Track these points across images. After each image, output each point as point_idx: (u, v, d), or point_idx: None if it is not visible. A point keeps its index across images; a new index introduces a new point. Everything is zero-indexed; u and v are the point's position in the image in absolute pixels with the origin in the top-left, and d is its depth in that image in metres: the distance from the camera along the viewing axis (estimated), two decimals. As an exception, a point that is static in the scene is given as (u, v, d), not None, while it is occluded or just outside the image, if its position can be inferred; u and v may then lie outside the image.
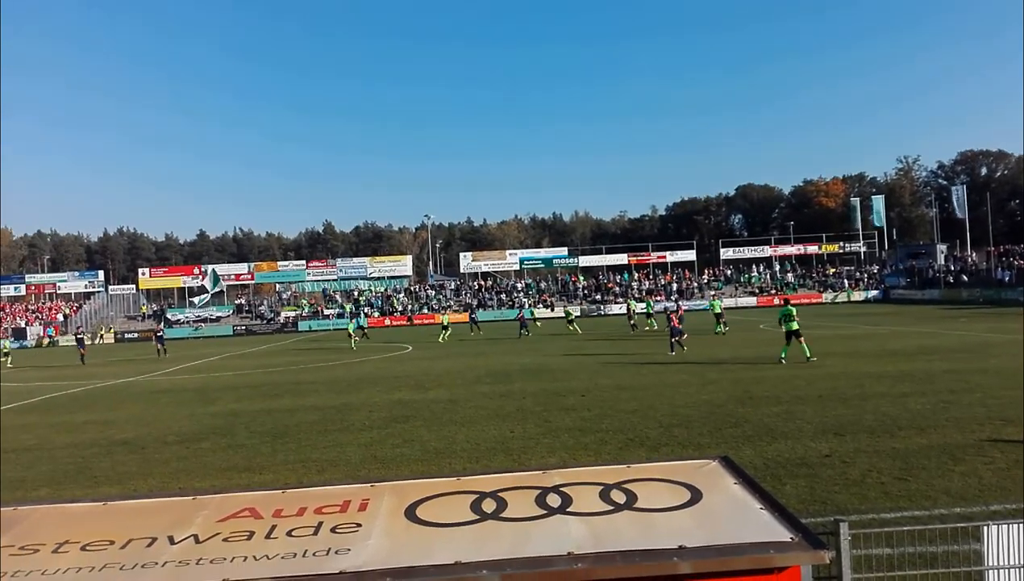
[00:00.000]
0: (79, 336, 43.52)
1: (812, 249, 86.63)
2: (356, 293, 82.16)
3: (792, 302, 23.77)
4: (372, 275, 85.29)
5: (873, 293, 74.73)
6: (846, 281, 78.23)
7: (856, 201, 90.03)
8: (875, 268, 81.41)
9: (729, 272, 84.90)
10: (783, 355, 21.95)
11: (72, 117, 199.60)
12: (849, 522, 3.40)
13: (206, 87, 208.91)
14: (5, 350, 46.22)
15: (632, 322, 42.82)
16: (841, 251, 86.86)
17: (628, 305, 46.67)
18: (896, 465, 9.42)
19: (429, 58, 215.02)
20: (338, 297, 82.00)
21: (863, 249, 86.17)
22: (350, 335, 42.96)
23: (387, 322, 72.56)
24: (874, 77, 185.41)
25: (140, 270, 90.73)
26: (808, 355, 21.62)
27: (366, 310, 74.25)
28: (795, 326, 22.17)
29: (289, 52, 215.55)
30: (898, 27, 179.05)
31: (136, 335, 71.17)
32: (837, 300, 72.81)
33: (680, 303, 52.04)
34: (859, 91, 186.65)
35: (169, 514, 3.54)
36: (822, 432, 11.72)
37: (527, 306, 63.99)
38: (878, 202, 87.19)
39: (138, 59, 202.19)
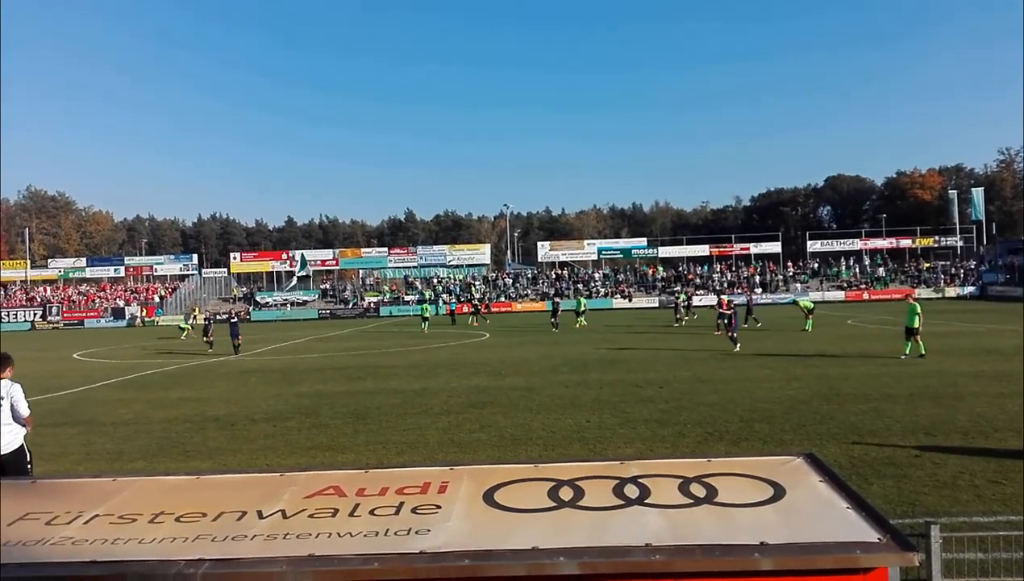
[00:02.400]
0: (204, 321, 39.34)
1: (905, 243, 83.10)
2: (435, 280, 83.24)
3: (913, 298, 23.57)
4: (451, 263, 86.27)
5: (969, 289, 71.22)
6: (941, 276, 74.80)
7: (954, 193, 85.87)
8: (972, 264, 77.50)
9: (816, 265, 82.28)
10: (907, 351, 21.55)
11: (174, 112, 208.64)
12: (940, 524, 3.27)
13: (292, 84, 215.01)
14: (181, 325, 49.01)
15: (679, 316, 42.72)
16: (936, 245, 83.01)
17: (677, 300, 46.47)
18: (990, 468, 8.99)
19: (508, 42, 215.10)
20: (418, 284, 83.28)
21: (960, 244, 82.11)
22: (425, 319, 44.91)
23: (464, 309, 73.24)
24: (973, 64, 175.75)
25: (231, 254, 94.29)
26: (923, 351, 21.29)
27: (444, 297, 75.15)
28: (916, 323, 21.64)
29: (370, 40, 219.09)
30: (998, 8, 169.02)
31: (227, 316, 73.96)
32: (932, 296, 69.70)
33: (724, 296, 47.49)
34: (957, 79, 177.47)
35: (258, 489, 3.68)
36: (912, 431, 11.28)
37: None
38: (977, 194, 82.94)
39: (228, 58, 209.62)
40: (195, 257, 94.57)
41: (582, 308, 44.55)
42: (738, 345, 25.51)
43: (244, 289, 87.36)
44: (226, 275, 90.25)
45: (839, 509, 3.17)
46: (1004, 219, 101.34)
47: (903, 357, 20.96)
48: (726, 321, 27.16)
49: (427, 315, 45.56)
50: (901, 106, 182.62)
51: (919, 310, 21.78)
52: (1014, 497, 7.81)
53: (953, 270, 76.33)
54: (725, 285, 75.19)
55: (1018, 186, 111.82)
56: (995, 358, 20.40)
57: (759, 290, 70.28)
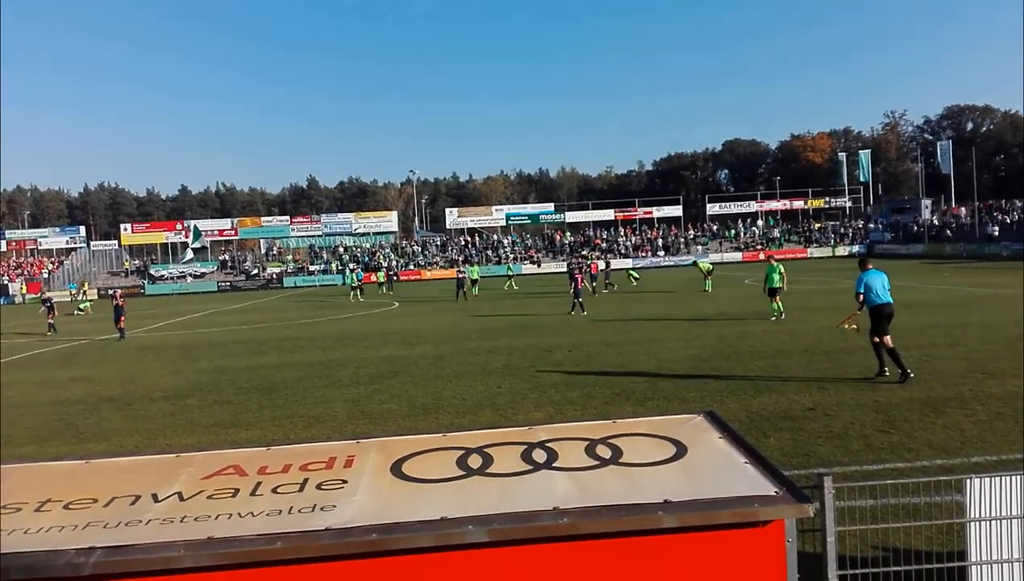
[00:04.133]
0: (45, 298, 34.10)
1: (798, 204, 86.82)
2: (341, 249, 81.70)
3: (776, 259, 23.37)
4: (357, 231, 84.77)
5: (858, 248, 75.00)
6: (832, 236, 78.54)
7: (842, 156, 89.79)
8: (860, 223, 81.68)
9: (715, 227, 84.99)
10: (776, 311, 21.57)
11: (52, 66, 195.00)
12: (832, 475, 3.43)
13: (186, 33, 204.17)
14: (81, 306, 46.07)
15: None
16: (827, 206, 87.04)
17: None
18: (879, 418, 9.54)
19: (414, 16, 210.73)
20: (324, 253, 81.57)
21: (849, 204, 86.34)
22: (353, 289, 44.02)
23: (372, 278, 72.34)
24: (860, 28, 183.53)
25: (122, 225, 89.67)
26: (780, 311, 21.44)
27: (351, 266, 73.94)
28: (778, 283, 21.75)
29: (268, 14, 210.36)
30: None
31: (119, 290, 70.62)
32: (824, 254, 73.13)
33: (589, 262, 48.32)
34: (845, 43, 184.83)
35: (153, 472, 3.52)
36: (806, 386, 11.85)
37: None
38: (864, 157, 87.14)
39: (112, 9, 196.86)
40: (83, 229, 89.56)
41: (475, 276, 43.82)
42: (573, 311, 26.68)
43: (137, 262, 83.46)
44: (117, 247, 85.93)
45: (738, 464, 3.28)
46: (889, 180, 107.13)
47: (773, 318, 21.14)
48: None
49: (476, 278, 43.43)
50: (794, 70, 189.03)
51: (781, 270, 22.09)
52: (901, 445, 8.32)
53: (843, 229, 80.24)
54: (629, 248, 76.90)
55: (902, 148, 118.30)
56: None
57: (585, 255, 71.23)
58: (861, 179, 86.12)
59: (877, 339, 12.19)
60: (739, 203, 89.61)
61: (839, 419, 9.58)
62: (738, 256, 74.43)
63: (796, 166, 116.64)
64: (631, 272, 46.46)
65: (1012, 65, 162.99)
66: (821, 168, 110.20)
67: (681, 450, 3.47)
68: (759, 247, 76.91)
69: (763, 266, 22.63)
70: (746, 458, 3.33)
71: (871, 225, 79.86)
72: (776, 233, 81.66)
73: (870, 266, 13.15)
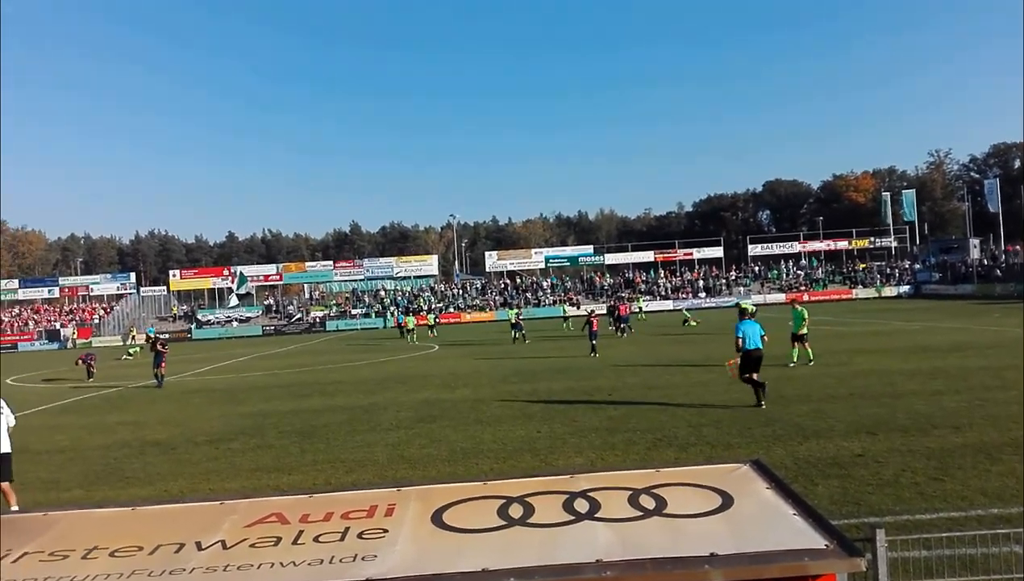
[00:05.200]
0: (82, 357, 32.57)
1: (842, 245, 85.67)
2: (383, 292, 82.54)
3: (800, 303, 22.43)
4: (398, 275, 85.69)
5: (904, 288, 73.66)
6: (877, 276, 77.15)
7: (886, 195, 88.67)
8: (906, 263, 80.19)
9: (757, 268, 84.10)
10: (795, 358, 20.80)
11: (104, 122, 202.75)
12: (884, 524, 3.32)
13: (230, 93, 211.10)
14: (130, 351, 47.17)
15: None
16: (871, 246, 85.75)
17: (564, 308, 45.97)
18: (931, 465, 9.24)
19: (450, 61, 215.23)
20: (366, 297, 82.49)
21: (894, 244, 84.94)
22: (407, 330, 45.21)
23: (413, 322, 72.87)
24: (905, 69, 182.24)
25: (171, 272, 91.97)
26: (811, 358, 20.69)
27: (392, 309, 74.56)
28: (804, 330, 20.94)
29: (309, 57, 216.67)
30: (930, 22, 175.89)
31: (167, 336, 72.05)
32: (870, 295, 71.84)
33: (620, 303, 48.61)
34: (889, 84, 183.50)
35: (197, 519, 3.55)
36: (854, 431, 11.54)
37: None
38: (909, 196, 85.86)
39: (158, 64, 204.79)
40: (133, 275, 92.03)
41: (514, 320, 41.21)
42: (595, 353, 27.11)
43: (185, 307, 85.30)
44: (165, 293, 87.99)
45: (786, 516, 3.19)
46: (935, 219, 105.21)
47: (791, 364, 20.27)
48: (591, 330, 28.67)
49: (515, 321, 40.53)
50: (836, 111, 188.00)
51: (806, 315, 21.23)
52: (954, 493, 8.03)
53: (888, 270, 78.84)
54: (627, 293, 76.39)
55: (948, 187, 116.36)
56: (931, 355, 21.07)
57: (642, 298, 71.22)
58: (906, 218, 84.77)
59: (747, 376, 14.45)
60: (781, 244, 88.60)
61: (889, 466, 9.30)
62: (781, 297, 73.37)
63: (839, 206, 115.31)
64: (686, 314, 46.34)
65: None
66: (865, 208, 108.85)
67: (727, 501, 3.39)
68: (803, 288, 75.85)
69: (806, 308, 21.99)
70: (795, 509, 3.25)
71: (917, 265, 78.35)
72: (819, 274, 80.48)
73: (747, 317, 15.18)
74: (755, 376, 14.34)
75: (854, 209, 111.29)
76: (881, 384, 16.20)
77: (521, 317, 41.27)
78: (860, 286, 75.29)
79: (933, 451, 9.94)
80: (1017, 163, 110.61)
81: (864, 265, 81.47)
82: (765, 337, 15.05)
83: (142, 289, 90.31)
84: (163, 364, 26.23)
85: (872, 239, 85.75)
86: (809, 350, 20.85)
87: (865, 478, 8.82)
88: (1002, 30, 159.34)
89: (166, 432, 15.64)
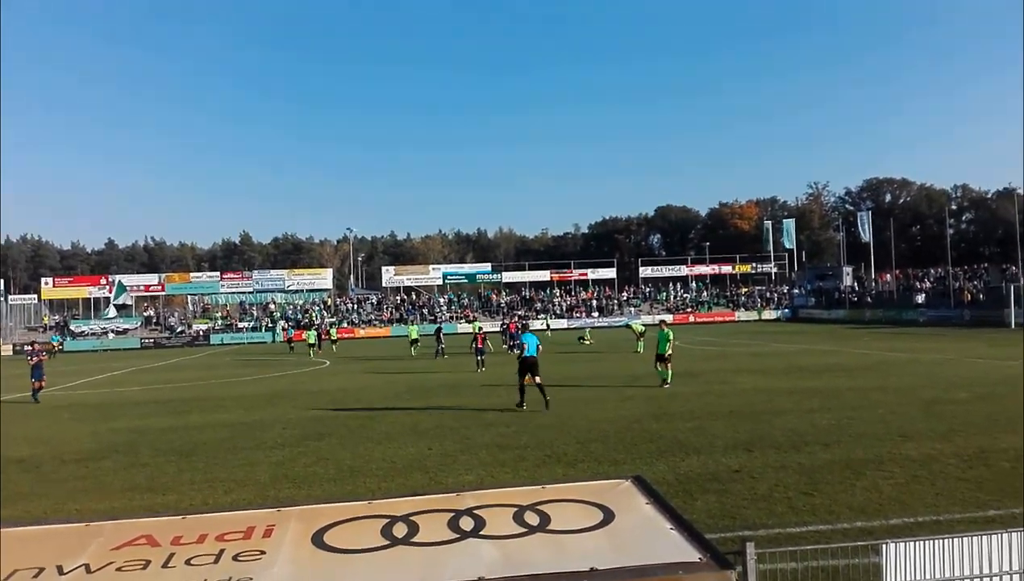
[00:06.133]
0: None
1: (726, 269, 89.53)
2: (272, 305, 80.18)
3: (667, 325, 22.69)
4: (290, 288, 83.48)
5: (783, 312, 77.52)
6: (758, 300, 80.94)
7: (768, 224, 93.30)
8: (785, 288, 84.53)
9: (648, 290, 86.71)
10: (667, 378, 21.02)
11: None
12: (756, 537, 3.48)
13: (122, 86, 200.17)
14: None
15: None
16: (753, 271, 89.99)
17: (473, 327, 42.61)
18: (802, 480, 9.73)
19: (353, 72, 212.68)
20: (255, 310, 79.88)
21: (774, 270, 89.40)
22: (308, 344, 44.26)
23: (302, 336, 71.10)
24: (789, 105, 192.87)
25: (43, 279, 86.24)
26: (668, 378, 20.94)
27: (283, 324, 72.50)
28: (668, 350, 21.15)
29: (208, 53, 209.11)
30: (818, 63, 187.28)
31: (29, 354, 67.56)
32: (750, 318, 75.29)
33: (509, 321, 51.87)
34: (773, 120, 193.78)
35: (59, 542, 3.34)
36: (733, 447, 12.02)
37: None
38: (789, 225, 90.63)
39: (29, 42, 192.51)
40: (1, 282, 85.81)
41: (415, 336, 42.61)
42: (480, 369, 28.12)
43: (57, 317, 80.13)
44: (36, 302, 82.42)
45: (663, 531, 3.30)
46: (812, 248, 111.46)
47: (666, 386, 20.46)
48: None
49: (415, 337, 41.81)
50: (723, 140, 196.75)
51: (671, 337, 21.41)
52: (822, 507, 8.49)
53: (768, 294, 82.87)
54: (526, 312, 77.60)
55: (824, 217, 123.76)
56: (806, 375, 22.26)
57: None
58: (786, 246, 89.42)
59: (525, 381, 17.50)
60: (670, 267, 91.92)
61: (764, 481, 9.74)
62: (669, 318, 75.72)
63: (725, 233, 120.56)
64: (585, 333, 47.29)
65: (926, 139, 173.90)
66: (748, 235, 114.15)
67: (608, 516, 3.47)
68: (689, 310, 78.68)
69: (691, 328, 22.81)
70: (672, 524, 3.36)
71: (795, 290, 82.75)
72: (705, 296, 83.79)
73: (529, 330, 19.84)
74: (535, 380, 17.42)
75: (739, 235, 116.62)
76: (760, 402, 16.97)
77: (443, 332, 41.69)
78: (742, 309, 78.79)
79: (804, 467, 10.48)
80: (888, 197, 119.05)
81: (746, 289, 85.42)
82: (540, 346, 18.18)
83: (10, 297, 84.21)
84: (43, 378, 24.15)
85: (754, 265, 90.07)
86: (670, 370, 21.04)
87: (741, 493, 9.20)
88: (879, 75, 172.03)
89: (30, 449, 14.61)
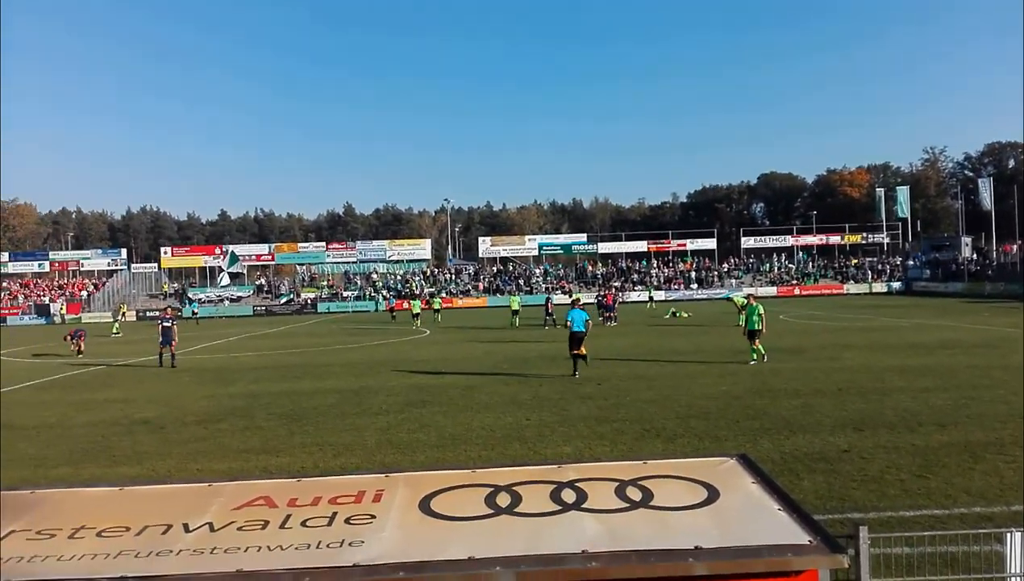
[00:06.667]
0: (72, 332, 32.62)
1: (834, 239, 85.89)
2: (375, 275, 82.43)
3: (756, 299, 21.58)
4: (391, 258, 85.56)
5: (896, 285, 74.00)
6: (868, 272, 77.47)
7: (880, 191, 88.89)
8: (898, 260, 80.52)
9: (750, 261, 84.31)
10: (754, 356, 20.27)
11: (97, 98, 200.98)
12: (867, 520, 3.35)
13: (230, 71, 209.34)
14: (115, 330, 47.03)
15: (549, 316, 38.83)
16: (864, 242, 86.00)
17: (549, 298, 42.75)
18: (916, 462, 9.31)
19: (451, 46, 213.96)
20: (358, 280, 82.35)
21: (886, 240, 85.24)
22: (413, 315, 43.91)
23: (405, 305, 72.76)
24: (902, 65, 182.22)
25: (163, 249, 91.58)
26: (762, 355, 20.18)
27: (384, 293, 74.44)
28: (758, 326, 20.32)
29: (307, 38, 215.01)
30: (927, 19, 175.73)
31: (157, 313, 71.80)
32: (860, 291, 72.22)
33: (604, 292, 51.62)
34: (886, 80, 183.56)
35: (185, 501, 3.55)
36: (841, 426, 11.62)
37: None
38: (902, 193, 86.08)
39: (154, 43, 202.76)
40: (124, 251, 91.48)
41: (516, 307, 42.17)
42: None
43: (175, 285, 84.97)
44: (156, 270, 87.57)
45: (771, 511, 3.22)
46: (928, 217, 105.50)
47: (751, 363, 19.80)
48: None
49: (516, 308, 41.76)
50: (832, 105, 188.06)
51: (761, 312, 20.53)
52: (938, 491, 8.10)
53: (880, 266, 79.14)
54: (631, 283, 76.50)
55: (941, 184, 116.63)
56: (920, 352, 21.19)
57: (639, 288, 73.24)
58: (899, 215, 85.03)
59: (574, 352, 18.77)
60: (774, 237, 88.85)
61: (875, 462, 9.37)
62: (772, 290, 73.61)
63: (833, 201, 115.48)
64: (676, 310, 46.52)
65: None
66: (858, 203, 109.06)
67: (713, 494, 3.41)
68: (794, 282, 76.09)
69: (796, 302, 21.96)
70: (780, 505, 3.28)
71: (909, 262, 78.69)
72: (811, 268, 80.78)
73: (577, 306, 20.02)
74: (582, 351, 18.82)
75: (848, 204, 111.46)
76: (870, 380, 16.30)
77: (552, 303, 41.52)
78: (851, 281, 75.62)
79: (919, 448, 10.02)
80: (1012, 162, 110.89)
81: (856, 261, 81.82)
82: (588, 321, 19.57)
83: (133, 265, 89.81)
84: (173, 343, 24.54)
85: (865, 235, 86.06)
86: (760, 347, 20.33)
87: (850, 474, 8.89)
88: (1002, 28, 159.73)
89: (155, 411, 15.61)
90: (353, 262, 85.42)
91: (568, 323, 19.16)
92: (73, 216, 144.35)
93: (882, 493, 8.09)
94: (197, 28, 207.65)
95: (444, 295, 74.40)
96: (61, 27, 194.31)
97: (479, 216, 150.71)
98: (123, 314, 58.11)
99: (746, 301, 25.79)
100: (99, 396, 18.21)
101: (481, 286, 79.91)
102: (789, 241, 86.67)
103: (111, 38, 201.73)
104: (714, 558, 2.80)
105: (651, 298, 63.30)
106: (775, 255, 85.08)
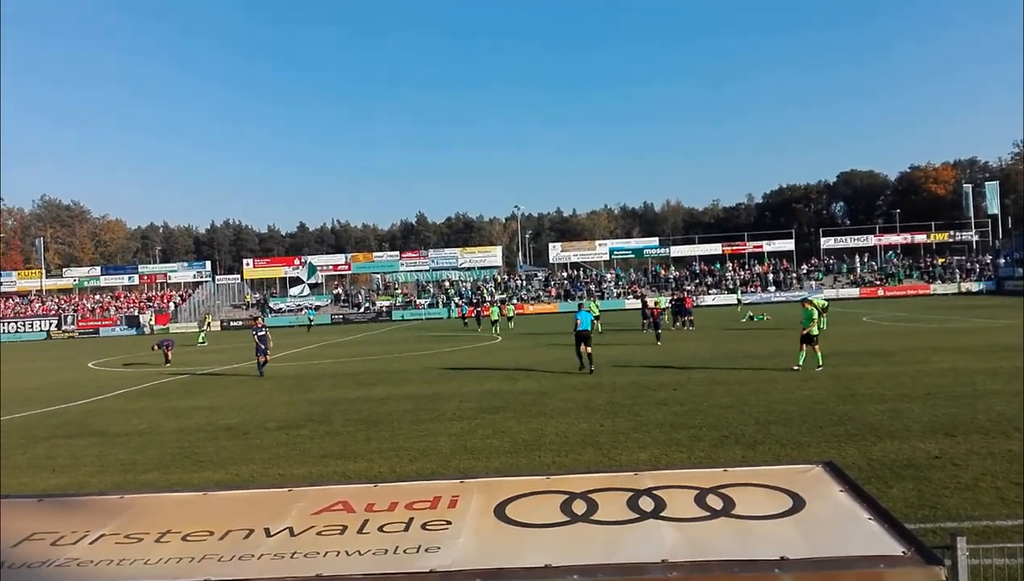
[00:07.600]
0: (160, 343, 33.35)
1: (920, 238, 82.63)
2: (447, 283, 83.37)
3: (811, 303, 20.49)
4: (463, 266, 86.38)
5: (986, 284, 70.65)
6: (957, 271, 74.19)
7: (968, 187, 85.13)
8: (988, 258, 76.83)
9: (830, 262, 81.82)
10: (800, 360, 19.39)
11: (183, 120, 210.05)
12: (962, 529, 3.17)
13: (303, 94, 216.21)
14: (201, 339, 48.75)
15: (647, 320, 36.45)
16: (951, 240, 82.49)
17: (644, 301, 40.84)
18: (1013, 468, 8.83)
19: (519, 51, 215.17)
20: (431, 287, 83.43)
21: (975, 238, 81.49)
22: (492, 321, 44.66)
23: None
24: (988, 56, 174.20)
25: (244, 260, 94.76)
26: (820, 363, 19.11)
27: (457, 300, 75.15)
28: (815, 330, 19.38)
29: (381, 53, 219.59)
30: (1014, 10, 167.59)
31: (240, 323, 74.34)
32: (948, 291, 69.26)
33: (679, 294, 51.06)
34: (971, 72, 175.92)
35: (266, 506, 3.62)
36: (931, 432, 11.12)
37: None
38: (992, 188, 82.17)
39: (234, 72, 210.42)
40: (208, 264, 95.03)
41: (596, 312, 39.65)
42: (660, 342, 28.74)
43: (257, 295, 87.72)
44: (239, 281, 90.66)
45: (861, 521, 3.08)
46: (1020, 213, 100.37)
47: (796, 368, 19.04)
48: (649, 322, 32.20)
49: (596, 314, 39.72)
50: (914, 100, 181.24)
51: (815, 316, 19.65)
52: (1038, 499, 7.66)
53: (969, 265, 75.75)
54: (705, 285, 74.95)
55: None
56: (1013, 355, 20.13)
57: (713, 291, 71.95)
58: (989, 212, 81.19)
59: (581, 349, 20.97)
60: (856, 237, 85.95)
61: (968, 469, 8.92)
62: (855, 292, 71.28)
63: (917, 198, 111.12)
64: (752, 314, 45.45)
65: None
66: (944, 200, 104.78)
67: (798, 503, 3.28)
68: (877, 283, 73.51)
69: (880, 303, 21.21)
70: (870, 513, 3.13)
71: (1000, 260, 74.98)
72: (895, 268, 77.84)
73: (582, 307, 22.87)
74: (589, 350, 20.95)
75: (933, 201, 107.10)
76: (960, 384, 15.58)
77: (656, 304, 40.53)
78: (938, 281, 72.57)
79: (1015, 455, 9.50)
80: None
81: (943, 259, 78.48)
82: (595, 320, 21.73)
83: (217, 277, 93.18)
84: (268, 352, 25.20)
85: (952, 233, 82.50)
86: (819, 354, 19.31)
87: (943, 481, 8.49)
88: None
89: (238, 417, 16.10)
90: (426, 270, 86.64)
91: (577, 322, 21.24)
92: (160, 231, 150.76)
93: (977, 501, 7.69)
94: (267, 56, 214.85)
95: (515, 302, 74.69)
96: (158, 64, 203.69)
97: (549, 222, 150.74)
98: (208, 324, 60.23)
99: (826, 303, 25.03)
100: (186, 403, 18.89)
101: (552, 292, 79.86)
102: (871, 241, 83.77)
103: (185, 65, 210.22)
104: (801, 569, 2.68)
105: (739, 301, 62.75)
106: (857, 255, 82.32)
